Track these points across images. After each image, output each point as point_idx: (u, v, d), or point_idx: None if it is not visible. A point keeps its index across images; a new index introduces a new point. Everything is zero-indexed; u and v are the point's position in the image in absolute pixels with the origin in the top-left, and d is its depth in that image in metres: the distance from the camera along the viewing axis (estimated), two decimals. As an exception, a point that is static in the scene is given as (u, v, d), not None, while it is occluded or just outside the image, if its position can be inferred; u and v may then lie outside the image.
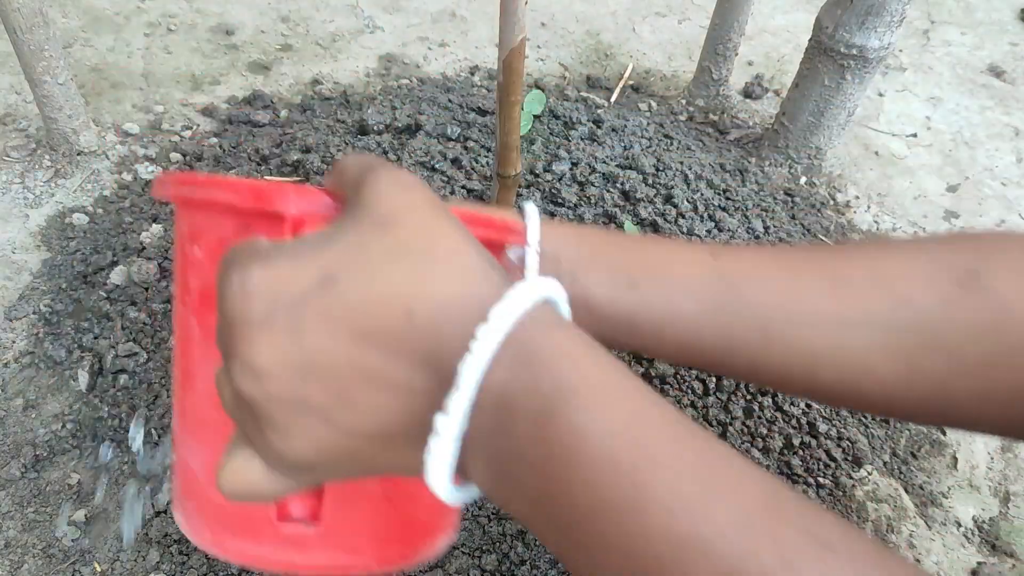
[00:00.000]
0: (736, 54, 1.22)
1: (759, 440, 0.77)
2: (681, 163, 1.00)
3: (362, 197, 0.29)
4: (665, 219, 0.91)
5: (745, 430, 0.77)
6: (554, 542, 0.26)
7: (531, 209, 0.41)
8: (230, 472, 0.31)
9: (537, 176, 0.92)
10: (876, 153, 1.25)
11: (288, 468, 0.29)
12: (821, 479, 0.77)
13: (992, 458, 0.87)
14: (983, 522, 0.81)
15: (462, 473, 0.28)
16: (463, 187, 0.88)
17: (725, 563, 0.22)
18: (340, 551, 0.38)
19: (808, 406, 0.81)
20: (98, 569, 0.70)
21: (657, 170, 0.97)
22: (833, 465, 0.78)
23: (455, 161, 0.92)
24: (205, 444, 0.39)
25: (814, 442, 0.79)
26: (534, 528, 0.27)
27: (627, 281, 0.42)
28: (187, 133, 1.13)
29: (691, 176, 0.97)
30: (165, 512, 0.71)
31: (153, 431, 0.74)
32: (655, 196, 0.93)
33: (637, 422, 0.25)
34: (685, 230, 0.90)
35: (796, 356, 0.41)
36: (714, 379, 0.78)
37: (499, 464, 0.26)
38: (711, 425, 0.76)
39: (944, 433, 0.88)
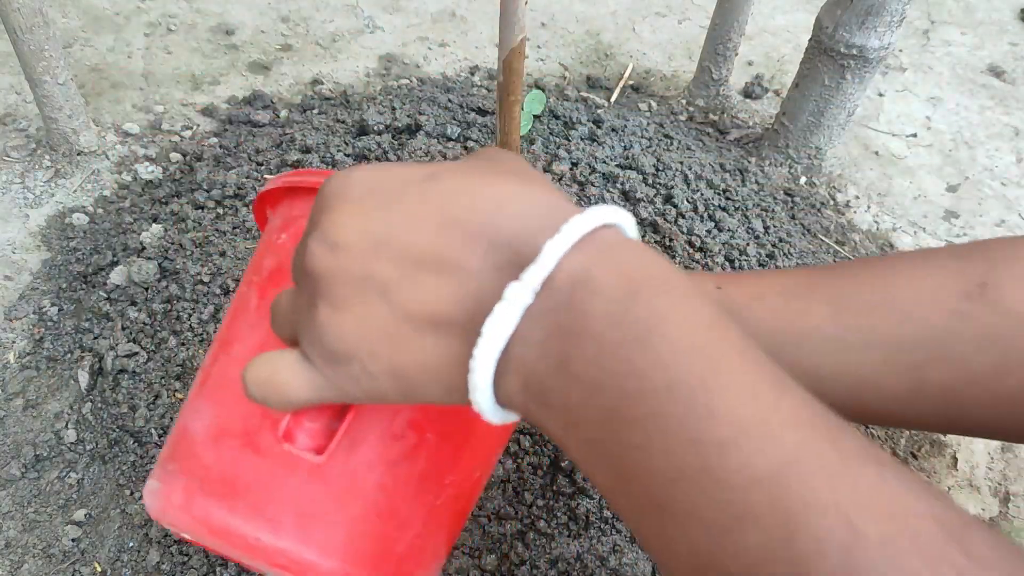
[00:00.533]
0: (736, 54, 1.22)
1: (759, 440, 0.77)
2: (681, 163, 1.00)
3: (477, 154, 0.32)
4: (665, 219, 0.91)
5: (745, 430, 0.77)
6: (600, 434, 0.25)
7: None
8: (262, 361, 0.31)
9: (537, 176, 0.92)
10: (876, 153, 1.25)
11: (326, 354, 0.29)
12: (821, 479, 0.77)
13: (992, 458, 0.87)
14: (983, 522, 0.81)
15: (502, 378, 0.27)
16: (463, 187, 0.88)
17: (781, 451, 0.22)
18: (310, 546, 0.36)
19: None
20: (98, 569, 0.70)
21: (657, 170, 0.97)
22: (833, 465, 0.78)
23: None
24: (218, 405, 0.39)
25: (814, 442, 0.79)
26: (581, 418, 0.26)
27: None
28: (187, 133, 1.13)
29: (691, 176, 0.97)
30: (165, 512, 0.72)
31: (152, 431, 0.74)
32: (655, 196, 0.93)
33: (719, 317, 0.25)
34: (685, 230, 0.90)
35: (801, 378, 0.42)
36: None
37: (560, 345, 0.26)
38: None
39: (944, 433, 0.88)
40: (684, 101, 1.27)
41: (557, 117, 1.05)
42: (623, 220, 0.28)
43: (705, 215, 0.93)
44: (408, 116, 1.00)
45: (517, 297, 0.25)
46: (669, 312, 0.25)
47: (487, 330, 0.26)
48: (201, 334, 0.78)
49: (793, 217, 1.06)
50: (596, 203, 0.90)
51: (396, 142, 0.95)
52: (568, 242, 0.25)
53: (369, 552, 0.37)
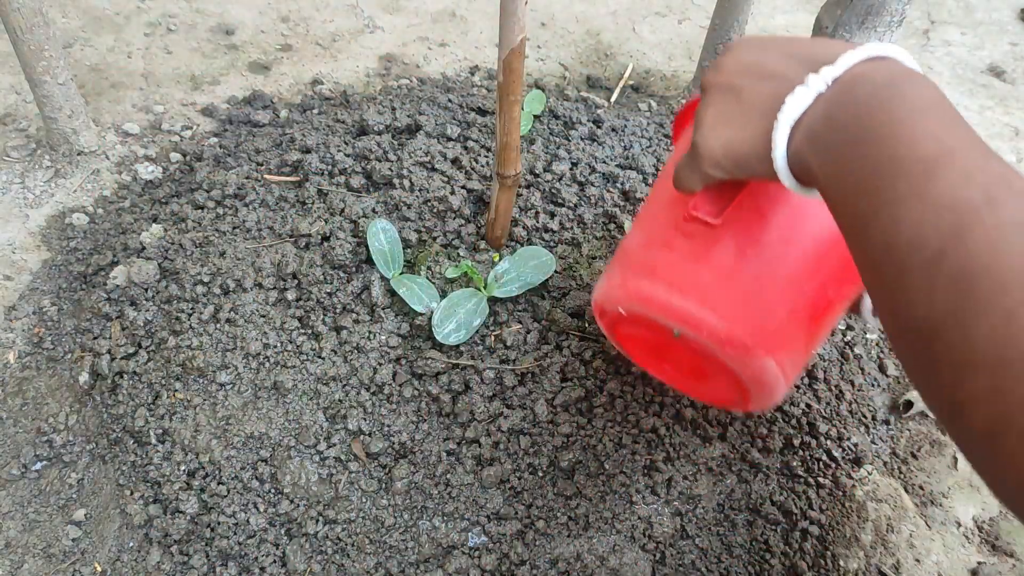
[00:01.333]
0: (736, 54, 1.22)
1: (759, 440, 0.77)
2: (681, 163, 1.00)
3: None
4: (665, 219, 0.91)
5: (745, 430, 0.77)
6: (846, 157, 0.37)
7: None
8: (677, 165, 0.51)
9: (537, 176, 0.92)
10: (876, 153, 1.25)
11: (696, 138, 0.47)
12: (821, 479, 0.77)
13: (992, 458, 0.87)
14: (983, 522, 0.81)
15: (793, 147, 0.41)
16: (463, 187, 0.89)
17: (966, 164, 0.32)
18: (705, 308, 0.53)
19: (808, 406, 0.81)
20: (98, 569, 0.70)
21: (657, 170, 0.97)
22: (833, 465, 0.78)
23: (455, 161, 0.92)
24: (642, 226, 0.61)
25: (814, 442, 0.79)
26: (836, 151, 0.37)
27: None
28: (187, 133, 1.13)
29: (691, 176, 0.97)
30: (166, 512, 0.72)
31: (152, 431, 0.74)
32: (655, 196, 0.93)
33: (946, 104, 0.35)
34: (685, 230, 0.90)
35: None
36: (714, 379, 0.78)
37: (833, 109, 0.38)
38: (711, 425, 0.76)
39: (944, 432, 0.88)
40: (684, 101, 1.27)
41: (557, 117, 1.05)
42: (908, 59, 0.40)
43: (705, 215, 0.93)
44: (408, 116, 1.00)
45: (813, 83, 0.40)
46: (910, 91, 0.35)
47: (789, 100, 0.41)
48: (201, 334, 0.78)
49: (793, 217, 1.06)
50: (596, 203, 0.91)
51: (396, 142, 0.95)
52: (859, 56, 0.39)
53: (746, 321, 0.54)
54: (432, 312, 0.77)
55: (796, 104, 0.40)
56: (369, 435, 0.73)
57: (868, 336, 0.92)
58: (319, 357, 0.76)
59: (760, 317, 0.54)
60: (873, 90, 0.37)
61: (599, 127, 1.04)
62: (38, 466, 0.76)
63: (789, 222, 0.55)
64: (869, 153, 0.35)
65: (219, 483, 0.72)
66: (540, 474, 0.72)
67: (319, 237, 0.84)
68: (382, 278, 0.80)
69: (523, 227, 0.86)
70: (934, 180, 0.32)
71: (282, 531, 0.71)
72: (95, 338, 0.82)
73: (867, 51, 0.40)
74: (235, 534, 0.70)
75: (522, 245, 0.85)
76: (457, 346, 0.77)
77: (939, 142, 0.33)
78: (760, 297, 0.54)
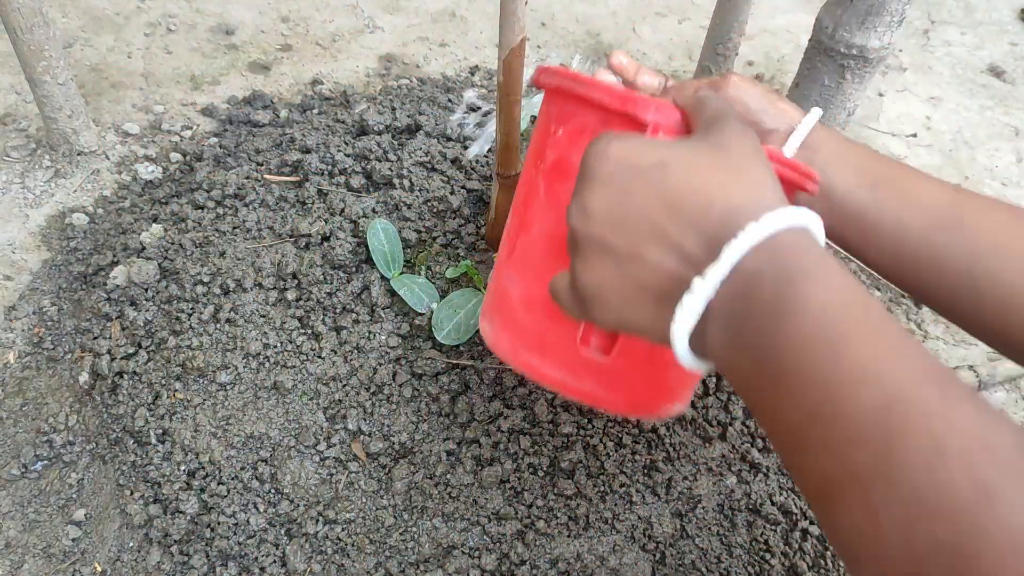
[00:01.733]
0: (736, 54, 1.22)
1: (759, 440, 0.77)
2: (681, 163, 1.00)
3: (713, 128, 0.38)
4: (665, 219, 0.91)
5: (745, 430, 0.77)
6: (762, 391, 0.32)
7: (815, 111, 0.54)
8: (555, 280, 0.43)
9: (537, 176, 0.92)
10: (876, 153, 1.25)
11: (578, 295, 0.40)
12: (821, 479, 0.77)
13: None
14: None
15: (697, 344, 0.36)
16: (463, 187, 0.89)
17: (889, 391, 0.27)
18: (601, 387, 0.51)
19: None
20: (98, 569, 0.70)
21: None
22: (833, 465, 0.78)
23: (455, 161, 0.92)
24: (524, 277, 0.52)
25: (814, 442, 0.79)
26: (750, 382, 0.33)
27: (870, 182, 0.51)
28: (187, 133, 1.13)
29: (691, 176, 0.97)
30: (166, 512, 0.72)
31: (152, 431, 0.74)
32: (655, 196, 0.93)
33: (852, 294, 0.31)
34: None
35: (991, 290, 0.46)
36: (714, 379, 0.78)
37: (735, 327, 0.33)
38: (711, 425, 0.76)
39: None
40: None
41: (557, 117, 1.05)
42: (801, 222, 0.34)
43: (705, 215, 0.93)
44: (408, 116, 1.00)
45: (699, 289, 0.34)
46: (811, 293, 0.31)
47: (678, 316, 0.35)
48: (201, 334, 0.78)
49: (793, 217, 1.06)
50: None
51: (396, 142, 0.95)
52: (744, 247, 0.33)
53: (647, 391, 0.52)
54: (432, 312, 0.77)
55: (687, 315, 0.34)
56: (369, 435, 0.73)
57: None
58: (319, 357, 0.76)
59: (660, 380, 0.51)
60: (771, 299, 0.31)
61: (599, 127, 1.04)
62: (38, 466, 0.76)
63: None
64: (792, 393, 0.30)
65: (219, 483, 0.72)
66: (540, 474, 0.72)
67: (319, 237, 0.84)
68: (382, 278, 0.80)
69: (523, 227, 0.86)
70: (896, 448, 0.26)
71: (282, 531, 0.71)
72: (95, 338, 0.82)
73: (754, 235, 0.32)
74: (235, 534, 0.70)
75: (522, 245, 0.85)
76: (457, 346, 0.77)
77: (879, 385, 0.27)
78: (657, 363, 0.50)
